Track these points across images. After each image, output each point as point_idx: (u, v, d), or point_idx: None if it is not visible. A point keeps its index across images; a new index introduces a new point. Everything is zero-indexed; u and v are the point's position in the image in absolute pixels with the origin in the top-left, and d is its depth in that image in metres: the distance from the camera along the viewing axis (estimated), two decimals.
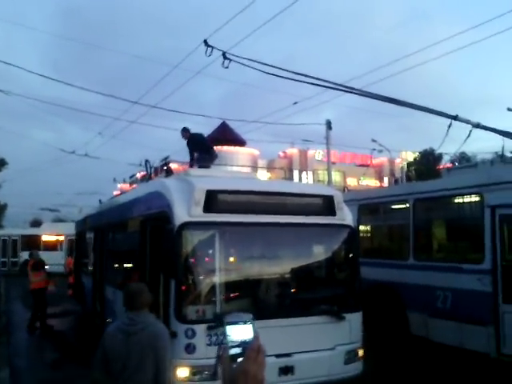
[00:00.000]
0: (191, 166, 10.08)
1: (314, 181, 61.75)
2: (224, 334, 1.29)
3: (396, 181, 42.37)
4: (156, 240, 7.18)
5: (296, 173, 64.41)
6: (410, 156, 57.51)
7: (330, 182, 25.97)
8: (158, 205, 6.74)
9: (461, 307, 8.01)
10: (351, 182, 63.37)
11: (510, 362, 7.40)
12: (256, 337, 1.32)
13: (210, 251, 6.13)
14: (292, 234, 6.64)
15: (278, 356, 6.01)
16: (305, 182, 62.70)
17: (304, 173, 64.64)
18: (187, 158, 10.64)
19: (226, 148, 62.11)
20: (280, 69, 10.24)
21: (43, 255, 30.47)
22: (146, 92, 16.21)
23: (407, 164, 50.71)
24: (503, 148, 8.49)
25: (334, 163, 59.09)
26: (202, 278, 6.09)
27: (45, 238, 31.47)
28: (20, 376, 7.86)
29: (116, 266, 9.70)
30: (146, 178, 11.04)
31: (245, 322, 1.32)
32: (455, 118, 8.60)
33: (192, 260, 6.05)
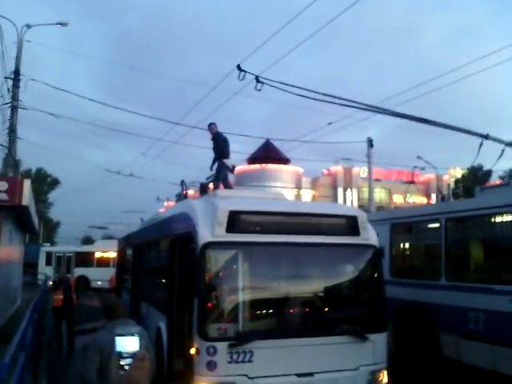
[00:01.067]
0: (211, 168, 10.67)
1: (358, 198, 61.08)
2: (114, 346, 1.46)
3: (443, 198, 41.30)
4: (183, 259, 7.44)
5: (340, 190, 64.02)
6: (459, 173, 56.09)
7: (371, 199, 25.71)
8: (184, 225, 6.99)
9: (493, 329, 7.79)
10: (397, 199, 62.33)
11: None
12: (143, 346, 1.48)
13: (233, 270, 6.29)
14: (315, 253, 6.71)
15: (299, 375, 6.07)
16: (349, 199, 62.15)
17: (348, 190, 64.11)
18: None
19: (270, 166, 62.67)
20: (311, 91, 10.47)
21: (97, 271, 31.39)
22: (186, 113, 16.79)
23: (455, 181, 49.42)
24: None
25: (379, 180, 58.68)
26: (224, 296, 6.24)
27: (98, 254, 32.52)
28: None
29: (149, 283, 10.03)
30: (181, 198, 11.37)
31: (132, 335, 1.49)
32: (486, 137, 8.50)
33: (214, 279, 6.22)
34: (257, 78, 10.17)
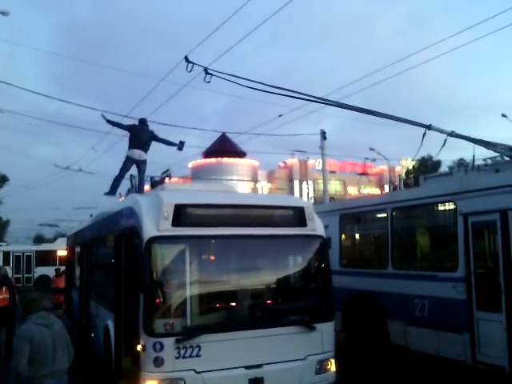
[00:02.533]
0: None
1: (314, 190, 61.82)
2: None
3: (395, 188, 42.35)
4: (129, 255, 7.30)
5: (296, 183, 64.60)
6: (411, 164, 57.57)
7: (325, 191, 26.06)
8: (129, 220, 6.85)
9: (437, 315, 8.04)
10: (352, 190, 63.42)
11: (484, 370, 7.42)
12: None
13: (179, 265, 6.20)
14: (262, 245, 6.73)
15: (247, 367, 6.08)
16: (305, 191, 62.82)
17: (304, 183, 64.78)
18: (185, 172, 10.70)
19: (226, 159, 62.49)
20: (260, 83, 10.41)
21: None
22: (135, 106, 16.30)
23: (406, 171, 50.74)
24: (473, 156, 8.53)
25: (333, 172, 59.59)
26: (170, 291, 6.16)
27: (60, 253, 31.48)
28: None
29: (97, 280, 9.81)
30: (130, 193, 11.13)
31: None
32: (429, 127, 8.72)
33: (160, 274, 6.13)
34: (205, 70, 10.03)
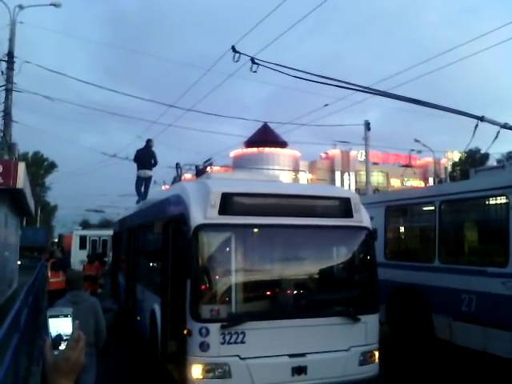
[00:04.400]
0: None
1: (356, 182, 61.11)
2: (46, 326, 1.48)
3: (440, 181, 41.33)
4: (176, 241, 7.44)
5: (338, 174, 64.01)
6: (457, 156, 56.01)
7: (368, 182, 25.74)
8: (177, 207, 6.98)
9: (485, 311, 7.84)
10: (395, 182, 62.33)
11: None
12: (76, 327, 1.50)
13: (225, 252, 6.30)
14: (308, 235, 6.73)
15: (291, 356, 6.12)
16: (347, 183, 62.17)
17: (346, 174, 64.11)
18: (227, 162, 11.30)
19: (267, 149, 62.52)
20: (307, 73, 10.35)
21: None
22: (181, 95, 16.63)
23: (452, 164, 49.39)
24: None
25: (376, 164, 58.66)
26: (216, 278, 6.27)
27: None
28: None
29: (144, 265, 10.05)
30: (177, 182, 11.36)
31: (65, 316, 1.50)
32: (481, 118, 8.46)
33: (207, 261, 6.23)
34: (252, 60, 10.05)
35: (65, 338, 1.45)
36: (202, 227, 6.15)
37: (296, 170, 57.73)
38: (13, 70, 18.69)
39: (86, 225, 67.66)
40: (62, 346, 1.44)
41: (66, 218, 66.79)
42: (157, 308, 7.82)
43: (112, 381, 7.82)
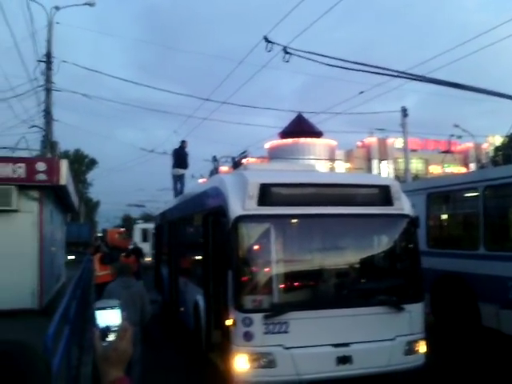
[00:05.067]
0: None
1: (394, 170, 60.05)
2: (95, 318, 1.51)
3: (483, 166, 40.12)
4: (216, 233, 7.52)
5: (375, 162, 63.00)
6: (498, 140, 54.20)
7: (407, 170, 25.25)
8: (216, 199, 7.05)
9: None
10: (434, 169, 60.87)
11: None
12: (123, 318, 1.53)
13: (265, 243, 6.32)
14: (348, 224, 6.68)
15: (335, 346, 6.11)
16: (384, 171, 61.16)
17: (383, 162, 63.02)
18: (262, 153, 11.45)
19: (302, 140, 62.07)
20: (341, 60, 10.22)
21: None
22: (215, 89, 16.75)
23: (494, 149, 47.80)
24: None
25: (415, 150, 57.36)
26: (257, 268, 6.31)
27: None
28: None
29: (185, 258, 10.21)
30: (213, 174, 11.47)
31: (112, 308, 1.53)
32: None
33: (247, 252, 6.27)
34: (284, 49, 10.01)
35: (113, 329, 1.49)
36: (241, 218, 6.18)
37: (332, 160, 57.22)
38: (51, 69, 19.23)
39: (127, 219, 69.05)
40: (111, 337, 1.48)
41: (108, 212, 68.57)
42: (200, 299, 7.94)
43: (158, 370, 8.01)
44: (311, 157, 56.77)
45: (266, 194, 6.28)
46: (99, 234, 48.84)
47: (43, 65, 18.75)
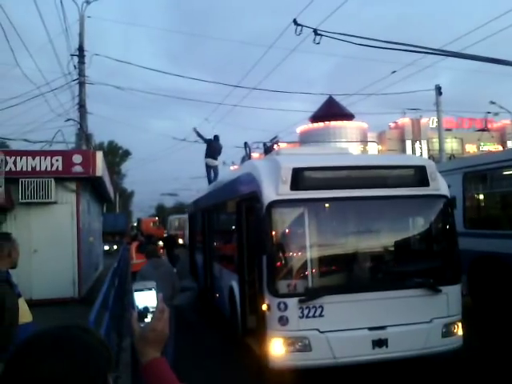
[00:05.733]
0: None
1: (428, 150, 58.81)
2: (132, 300, 1.53)
3: None
4: (250, 219, 7.55)
5: (409, 143, 61.84)
6: None
7: (441, 150, 24.70)
8: (249, 185, 7.07)
9: None
10: (470, 148, 59.35)
11: None
12: (160, 300, 1.54)
13: (299, 227, 6.30)
14: (383, 206, 6.59)
15: (371, 329, 6.08)
16: (418, 151, 59.99)
17: (417, 142, 61.80)
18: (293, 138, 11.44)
19: (333, 123, 61.39)
20: (373, 39, 10.03)
21: None
22: (245, 75, 16.69)
23: None
24: None
25: (449, 130, 55.97)
26: (291, 253, 6.31)
27: None
28: None
29: (219, 244, 10.30)
30: (245, 160, 11.48)
31: (149, 289, 1.55)
32: None
33: (281, 236, 6.29)
34: (315, 31, 9.89)
35: (150, 310, 1.52)
36: (275, 203, 6.18)
37: (365, 141, 56.42)
38: (84, 63, 19.54)
39: (161, 208, 70.06)
40: (148, 318, 1.51)
41: (142, 202, 69.67)
42: (235, 285, 8.01)
43: (196, 355, 8.16)
44: (343, 140, 56.15)
45: (299, 178, 6.25)
46: (134, 224, 49.81)
47: (76, 59, 19.04)
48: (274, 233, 6.21)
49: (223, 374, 7.13)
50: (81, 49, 19.52)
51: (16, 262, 3.79)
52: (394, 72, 17.38)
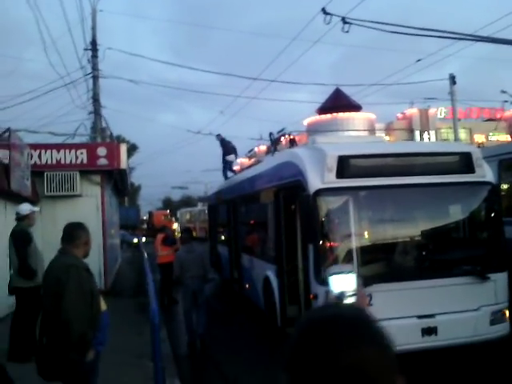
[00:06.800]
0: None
1: (436, 141, 58.50)
2: (329, 283, 1.46)
3: None
4: (290, 209, 7.46)
5: (417, 134, 61.50)
6: None
7: (456, 139, 24.58)
8: (291, 174, 6.97)
9: None
10: (479, 138, 58.98)
11: None
12: (359, 284, 1.48)
13: (345, 215, 6.19)
14: (429, 194, 6.50)
15: (420, 317, 6.01)
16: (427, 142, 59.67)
17: (425, 133, 61.46)
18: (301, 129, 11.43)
19: (341, 114, 61.03)
20: (402, 26, 9.90)
21: None
22: (266, 66, 16.54)
23: None
24: None
25: (458, 120, 55.57)
26: (338, 242, 6.22)
27: None
28: (176, 337, 8.64)
29: (251, 235, 10.20)
30: (272, 151, 11.37)
31: (347, 273, 1.48)
32: None
33: (328, 225, 6.20)
34: (343, 19, 9.75)
35: (347, 294, 1.44)
36: (321, 192, 6.10)
37: (372, 129, 56.12)
38: (97, 57, 19.43)
39: (168, 202, 70.13)
40: (347, 303, 1.44)
41: (150, 196, 69.67)
42: (271, 275, 7.94)
43: (232, 345, 8.11)
44: (350, 131, 55.86)
45: (345, 166, 6.17)
46: (145, 217, 49.89)
47: (89, 53, 18.93)
48: (320, 222, 6.12)
49: (264, 363, 7.07)
50: (94, 42, 19.41)
51: (88, 252, 3.75)
52: (419, 60, 17.24)
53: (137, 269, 16.99)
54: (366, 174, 6.25)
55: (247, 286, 10.10)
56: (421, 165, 6.44)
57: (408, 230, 6.52)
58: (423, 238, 6.57)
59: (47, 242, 8.49)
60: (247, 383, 6.35)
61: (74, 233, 3.67)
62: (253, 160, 23.78)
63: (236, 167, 17.34)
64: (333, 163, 6.13)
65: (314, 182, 6.16)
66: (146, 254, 11.69)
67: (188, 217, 39.67)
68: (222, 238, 13.48)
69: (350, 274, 1.42)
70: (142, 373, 5.79)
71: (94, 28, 19.66)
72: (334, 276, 1.46)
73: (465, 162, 6.49)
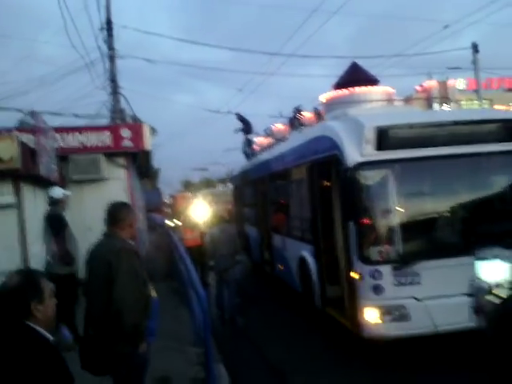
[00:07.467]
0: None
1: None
2: (474, 270, 1.18)
3: None
4: (325, 185, 7.18)
5: (436, 106, 60.27)
6: None
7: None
8: (325, 148, 6.66)
9: None
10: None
11: None
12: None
13: (387, 190, 5.88)
14: (476, 164, 6.14)
15: (469, 295, 5.72)
16: None
17: (445, 105, 60.16)
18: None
19: (358, 89, 60.04)
20: None
21: None
22: (286, 41, 16.21)
23: None
24: None
25: (476, 91, 54.11)
26: (381, 218, 5.88)
27: None
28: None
29: (282, 215, 9.86)
30: (298, 126, 11.04)
31: (496, 258, 1.19)
32: None
33: (370, 200, 5.88)
34: None
35: (499, 283, 1.18)
36: (360, 166, 5.81)
37: (390, 100, 55.00)
38: (112, 36, 19.07)
39: (187, 184, 70.33)
40: (499, 293, 1.17)
41: (170, 179, 69.70)
42: (307, 255, 7.70)
43: (271, 327, 7.96)
44: (369, 106, 54.78)
45: (384, 137, 5.85)
46: (166, 200, 49.94)
47: (104, 33, 18.57)
48: (360, 197, 5.83)
49: (305, 344, 6.91)
50: (109, 22, 19.02)
51: (135, 234, 3.53)
52: (447, 27, 16.82)
53: (165, 252, 16.83)
54: (406, 144, 5.93)
55: (280, 267, 9.89)
56: (465, 134, 6.09)
57: (453, 205, 6.15)
58: (471, 212, 6.21)
59: (76, 228, 8.33)
60: (293, 367, 6.15)
61: (117, 214, 3.43)
62: (269, 139, 23.52)
63: (255, 146, 17.11)
64: (371, 135, 5.82)
65: (352, 156, 5.85)
66: (176, 238, 11.49)
67: (210, 198, 39.53)
68: (250, 219, 13.23)
69: (503, 261, 1.19)
70: (185, 358, 5.65)
71: (108, 7, 19.26)
72: (480, 261, 1.23)
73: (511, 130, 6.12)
